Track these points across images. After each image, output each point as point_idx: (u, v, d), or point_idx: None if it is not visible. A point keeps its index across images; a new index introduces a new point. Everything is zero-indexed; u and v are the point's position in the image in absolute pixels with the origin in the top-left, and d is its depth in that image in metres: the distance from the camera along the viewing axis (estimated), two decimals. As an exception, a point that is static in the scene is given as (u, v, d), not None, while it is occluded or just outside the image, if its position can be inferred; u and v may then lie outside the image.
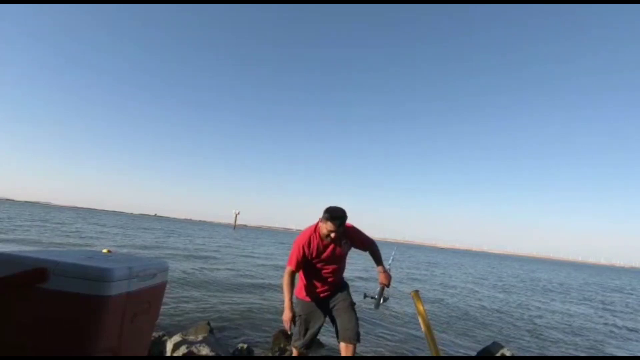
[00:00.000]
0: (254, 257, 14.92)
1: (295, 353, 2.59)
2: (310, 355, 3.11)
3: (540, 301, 10.55)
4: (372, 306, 2.44)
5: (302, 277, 2.54)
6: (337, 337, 2.44)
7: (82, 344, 1.25)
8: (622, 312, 10.08)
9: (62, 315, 1.24)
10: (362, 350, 3.99)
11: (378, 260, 2.58)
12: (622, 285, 23.83)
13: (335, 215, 2.29)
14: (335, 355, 2.39)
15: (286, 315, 2.28)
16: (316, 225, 2.44)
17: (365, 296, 2.50)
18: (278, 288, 7.55)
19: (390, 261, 2.69)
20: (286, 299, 2.29)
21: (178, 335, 3.09)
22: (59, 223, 23.88)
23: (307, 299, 2.52)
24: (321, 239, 2.40)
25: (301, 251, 2.38)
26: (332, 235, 2.32)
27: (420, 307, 2.38)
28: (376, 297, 2.41)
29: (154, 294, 1.65)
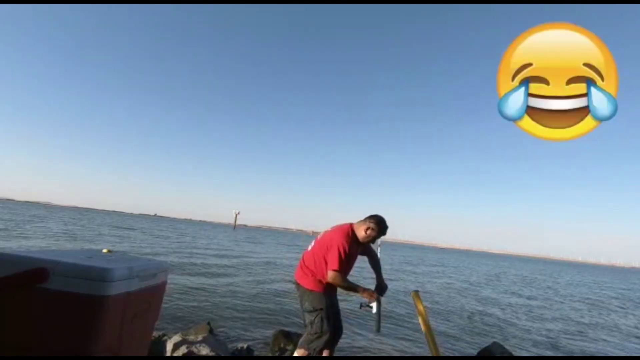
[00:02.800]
0: (254, 257, 14.93)
1: (326, 353, 2.47)
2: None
3: (540, 301, 10.55)
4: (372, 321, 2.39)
5: (324, 277, 2.47)
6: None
7: (82, 343, 1.25)
8: (618, 311, 10.09)
9: (62, 315, 1.24)
10: (362, 350, 4.00)
11: (378, 267, 2.65)
12: (617, 284, 23.83)
13: (386, 225, 2.51)
14: (337, 356, 2.37)
15: (369, 293, 2.37)
16: (350, 228, 2.49)
17: (361, 306, 2.45)
18: (278, 288, 7.57)
19: (379, 251, 2.73)
20: (357, 287, 2.39)
21: (178, 335, 3.09)
22: (63, 223, 23.89)
23: (327, 293, 2.46)
24: (354, 242, 2.46)
25: (345, 253, 2.36)
26: (371, 241, 2.51)
27: (420, 307, 2.38)
28: (373, 311, 2.36)
29: (154, 294, 1.65)
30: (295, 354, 2.48)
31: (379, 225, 2.47)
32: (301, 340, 2.44)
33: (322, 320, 2.36)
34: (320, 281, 2.44)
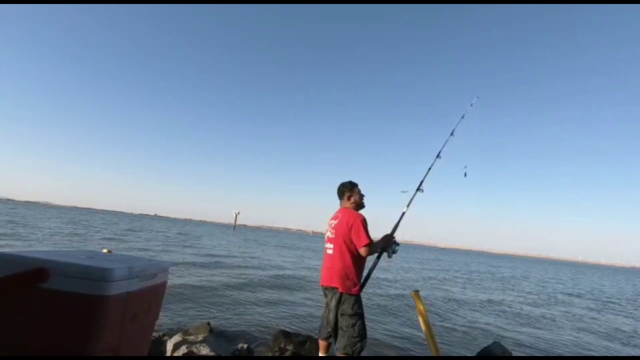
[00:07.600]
0: (254, 257, 14.93)
1: (322, 352, 2.58)
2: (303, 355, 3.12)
3: (540, 302, 10.55)
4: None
5: (357, 268, 2.46)
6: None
7: (82, 343, 1.25)
8: (620, 311, 10.08)
9: (62, 315, 1.24)
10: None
11: None
12: (614, 284, 23.82)
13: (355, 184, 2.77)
14: (337, 356, 2.38)
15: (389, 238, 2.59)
16: (346, 208, 2.62)
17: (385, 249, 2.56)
18: (278, 288, 7.57)
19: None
20: (385, 238, 2.57)
21: (178, 335, 3.09)
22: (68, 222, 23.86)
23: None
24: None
25: (366, 223, 2.47)
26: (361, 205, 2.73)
27: (421, 307, 2.38)
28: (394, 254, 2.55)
29: (154, 294, 1.64)
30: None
31: (356, 187, 2.68)
32: (342, 344, 2.37)
33: (363, 324, 2.40)
34: (355, 282, 2.42)
